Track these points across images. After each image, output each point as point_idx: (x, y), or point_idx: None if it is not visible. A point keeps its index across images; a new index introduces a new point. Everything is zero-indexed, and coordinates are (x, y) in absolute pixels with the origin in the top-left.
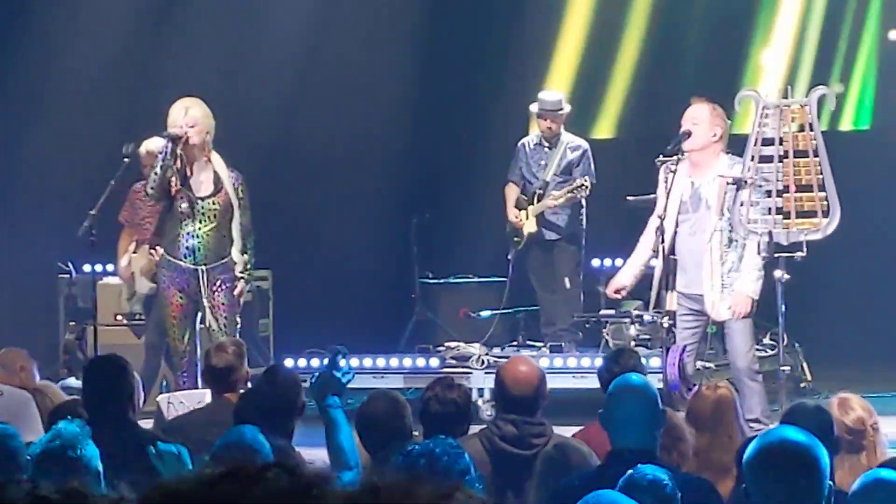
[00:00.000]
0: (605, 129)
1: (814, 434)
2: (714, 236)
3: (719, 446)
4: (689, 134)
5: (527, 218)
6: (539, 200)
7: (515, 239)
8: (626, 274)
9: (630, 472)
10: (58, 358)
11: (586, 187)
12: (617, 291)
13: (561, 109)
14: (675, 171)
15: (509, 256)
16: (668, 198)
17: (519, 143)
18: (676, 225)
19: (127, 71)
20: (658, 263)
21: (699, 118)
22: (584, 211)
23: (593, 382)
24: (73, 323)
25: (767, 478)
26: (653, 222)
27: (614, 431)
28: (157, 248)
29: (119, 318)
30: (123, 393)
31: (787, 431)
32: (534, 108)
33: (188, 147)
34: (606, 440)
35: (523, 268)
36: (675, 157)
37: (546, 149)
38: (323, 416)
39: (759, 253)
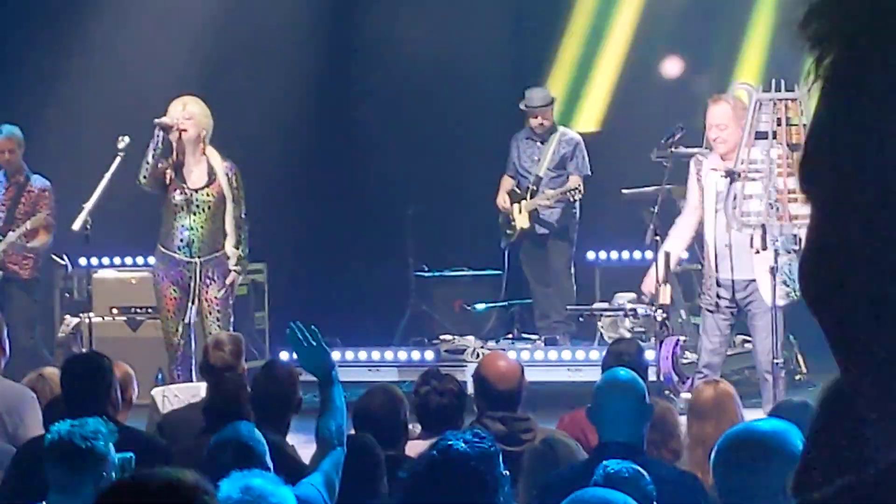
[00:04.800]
0: (597, 121)
1: (800, 431)
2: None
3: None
4: (682, 128)
5: (519, 213)
6: (532, 196)
7: (508, 232)
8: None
9: (605, 466)
10: (53, 351)
11: (580, 190)
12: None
13: (550, 103)
14: (713, 168)
15: (502, 246)
16: (701, 191)
17: (512, 138)
18: (715, 214)
19: (125, 65)
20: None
21: (724, 122)
22: (577, 205)
23: (588, 375)
24: (69, 316)
25: (729, 467)
26: (688, 221)
27: (601, 425)
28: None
29: (114, 311)
30: (101, 390)
31: (754, 422)
32: (523, 105)
33: (182, 140)
34: (588, 427)
35: (517, 260)
36: (704, 149)
37: (538, 143)
38: (328, 390)
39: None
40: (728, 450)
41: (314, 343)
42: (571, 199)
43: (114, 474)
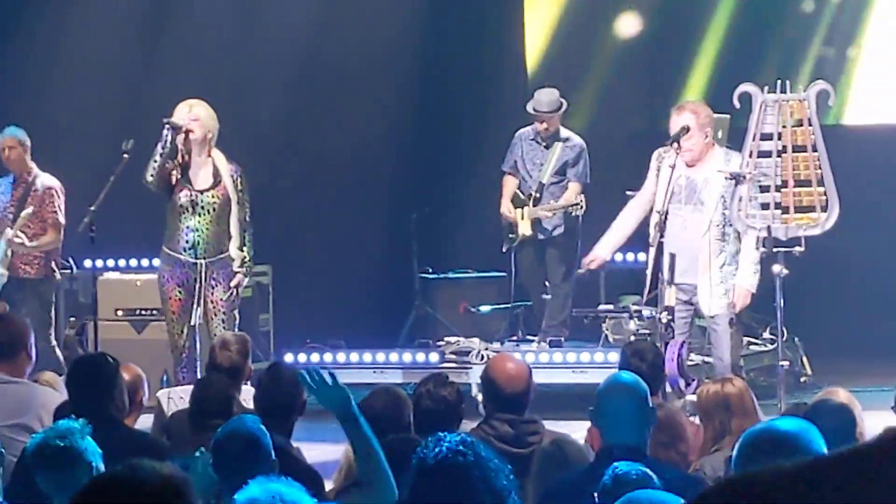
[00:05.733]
0: (602, 121)
1: (835, 433)
2: (710, 231)
3: None
4: (687, 129)
5: (521, 219)
6: (535, 203)
7: (510, 236)
8: (606, 248)
9: (615, 468)
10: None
11: (581, 205)
12: (592, 262)
13: (557, 110)
14: (673, 166)
15: (504, 250)
16: (657, 187)
17: (516, 134)
18: (666, 215)
19: (127, 67)
20: (664, 257)
21: (689, 128)
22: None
23: (592, 377)
24: (74, 318)
25: (753, 465)
26: (638, 204)
27: (605, 428)
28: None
29: (119, 313)
30: (104, 391)
31: (774, 422)
32: (530, 107)
33: (189, 141)
34: None
35: (519, 263)
36: (670, 149)
37: (543, 147)
38: (358, 429)
39: (756, 247)
40: (752, 448)
41: (328, 381)
42: (573, 214)
43: (101, 464)
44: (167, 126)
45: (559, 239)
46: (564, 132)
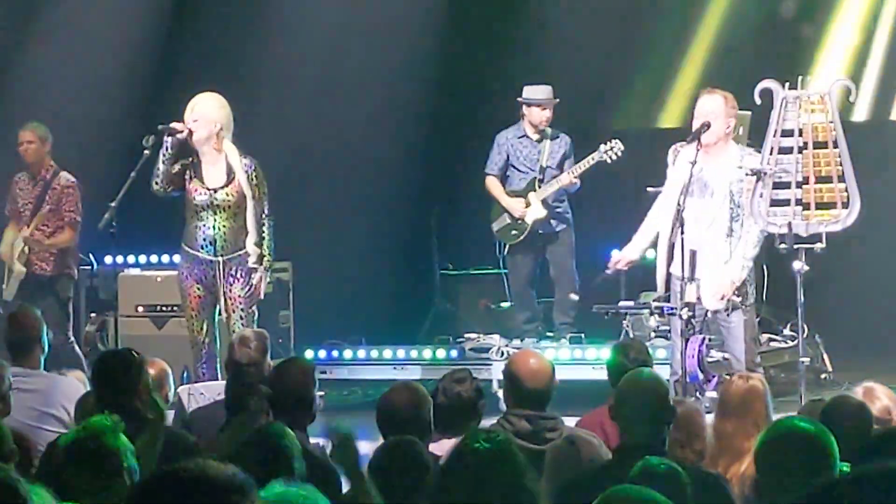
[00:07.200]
0: (624, 119)
1: (853, 431)
2: (715, 225)
3: (742, 433)
4: (708, 125)
5: (528, 206)
6: (540, 188)
7: (513, 232)
8: (636, 250)
9: (644, 461)
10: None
11: (616, 150)
12: (619, 262)
13: (556, 99)
14: (693, 162)
15: (505, 253)
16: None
17: (499, 137)
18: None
19: (147, 62)
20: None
21: (715, 112)
22: (570, 210)
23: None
24: (95, 314)
25: (777, 465)
26: (663, 204)
27: (623, 425)
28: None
29: (140, 309)
30: (130, 386)
31: (795, 421)
32: (529, 95)
33: (194, 140)
34: (607, 427)
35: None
36: (686, 143)
37: (534, 141)
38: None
39: (754, 245)
40: (776, 447)
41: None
42: (609, 161)
43: (134, 462)
44: (165, 132)
45: (561, 235)
46: (549, 128)
